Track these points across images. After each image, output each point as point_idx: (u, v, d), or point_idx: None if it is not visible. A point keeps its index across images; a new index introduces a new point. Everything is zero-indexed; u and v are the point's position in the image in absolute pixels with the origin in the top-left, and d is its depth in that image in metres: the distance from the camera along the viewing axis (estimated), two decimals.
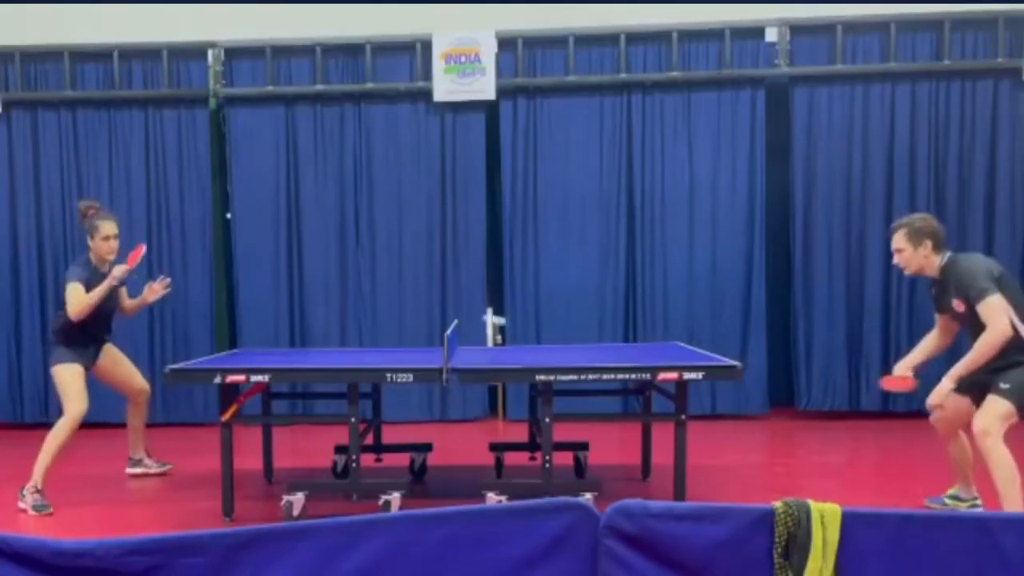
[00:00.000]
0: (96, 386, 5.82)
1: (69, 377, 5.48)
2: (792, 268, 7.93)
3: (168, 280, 5.82)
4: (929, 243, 4.67)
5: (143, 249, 5.73)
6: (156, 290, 5.77)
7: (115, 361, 5.94)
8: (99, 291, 5.43)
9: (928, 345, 5.04)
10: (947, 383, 4.56)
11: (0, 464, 6.70)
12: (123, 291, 5.86)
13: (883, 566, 2.20)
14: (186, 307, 8.07)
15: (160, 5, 7.97)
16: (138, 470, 6.18)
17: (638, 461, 5.87)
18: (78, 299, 5.39)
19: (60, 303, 5.62)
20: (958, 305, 4.59)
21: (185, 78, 8.06)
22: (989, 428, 4.35)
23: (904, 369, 4.94)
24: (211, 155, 8.08)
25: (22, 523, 5.02)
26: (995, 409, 4.39)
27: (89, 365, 5.71)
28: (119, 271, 5.50)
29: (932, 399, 4.63)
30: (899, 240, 4.74)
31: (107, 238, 5.56)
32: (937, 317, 4.95)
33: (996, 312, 4.39)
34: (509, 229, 8.03)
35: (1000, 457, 4.35)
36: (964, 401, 4.72)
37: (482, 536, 2.24)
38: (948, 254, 4.72)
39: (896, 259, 4.80)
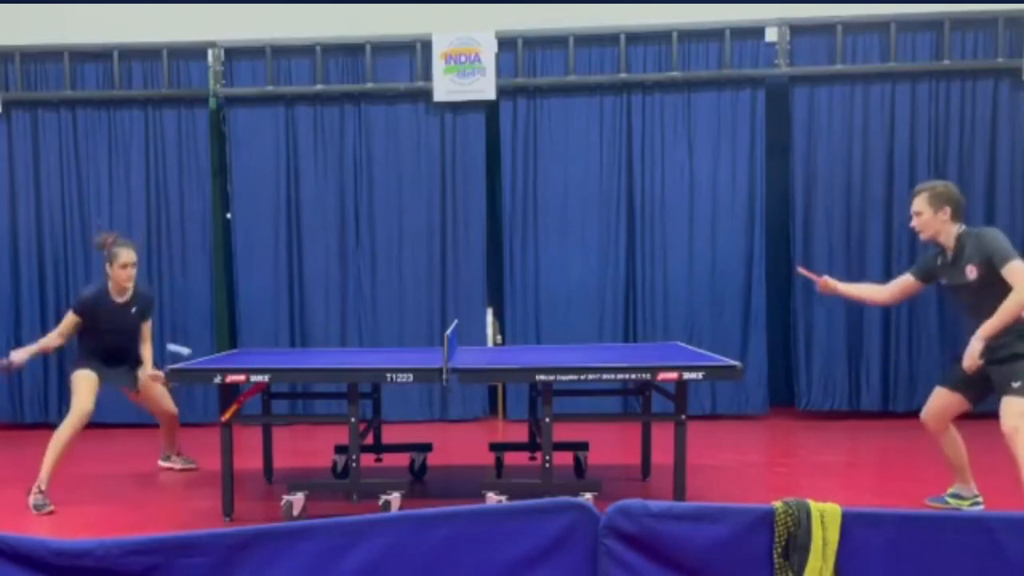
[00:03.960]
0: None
1: (79, 380, 5.65)
2: (792, 268, 7.92)
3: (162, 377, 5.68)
4: (949, 209, 4.66)
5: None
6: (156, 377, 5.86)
7: (149, 390, 6.07)
8: (25, 350, 5.73)
9: (869, 291, 5.30)
10: (976, 344, 4.51)
11: (0, 464, 6.71)
12: (146, 327, 5.96)
13: (883, 566, 2.20)
14: (186, 307, 8.07)
15: (160, 5, 7.97)
16: (166, 464, 6.46)
17: (638, 461, 5.87)
18: (60, 326, 5.79)
19: None
20: (971, 271, 4.56)
21: (185, 78, 8.06)
22: (1018, 424, 4.36)
23: (836, 283, 5.15)
24: (211, 155, 8.08)
25: (23, 523, 5.02)
26: (1016, 408, 4.40)
27: (116, 381, 5.92)
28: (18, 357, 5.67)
29: (967, 361, 4.55)
30: (919, 203, 4.73)
31: (125, 266, 5.68)
32: (905, 278, 5.03)
33: (1023, 275, 4.38)
34: (509, 229, 8.03)
35: None
36: (953, 397, 4.76)
37: (482, 536, 2.24)
38: (963, 226, 4.70)
39: (914, 222, 4.78)
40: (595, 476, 5.47)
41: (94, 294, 5.74)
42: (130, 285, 5.76)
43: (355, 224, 8.05)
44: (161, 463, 6.47)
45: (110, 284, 5.73)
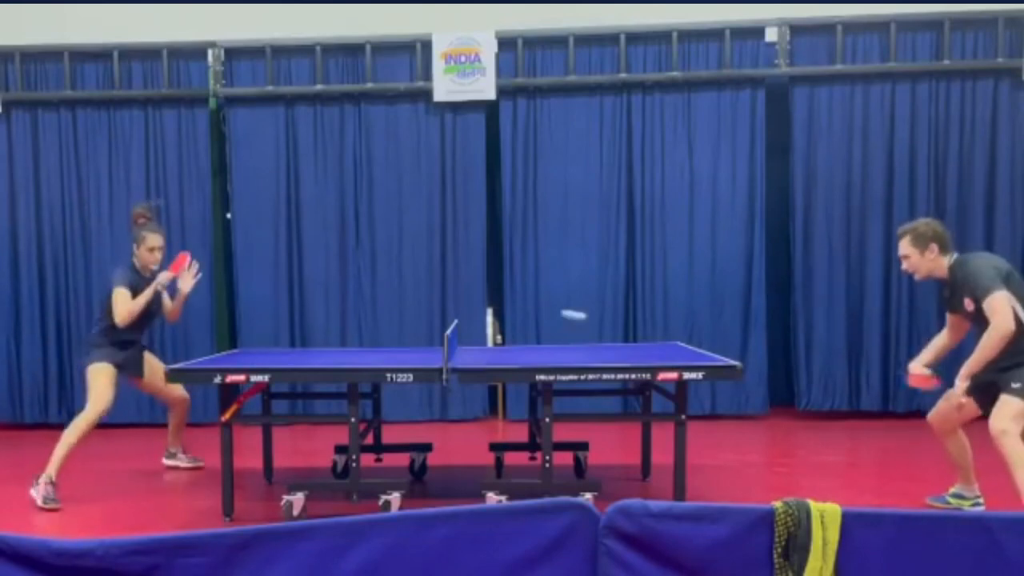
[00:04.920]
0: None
1: (99, 375, 5.60)
2: (792, 268, 7.92)
3: (190, 260, 5.90)
4: (935, 246, 4.70)
5: (187, 258, 5.88)
6: (188, 279, 5.88)
7: (154, 372, 5.98)
8: (144, 297, 5.60)
9: (938, 343, 5.06)
10: (960, 384, 4.61)
11: (0, 464, 6.70)
12: (165, 297, 6.00)
13: (883, 566, 2.20)
14: (186, 307, 8.02)
15: (160, 5, 7.97)
16: (171, 462, 6.41)
17: (638, 461, 5.87)
18: (125, 305, 5.56)
19: (102, 307, 5.75)
20: (968, 304, 4.63)
21: (185, 78, 8.06)
22: (1006, 427, 4.39)
23: (920, 368, 4.93)
24: (211, 155, 8.08)
25: (23, 523, 5.01)
26: (1009, 409, 4.43)
27: (129, 370, 5.85)
28: (164, 277, 5.71)
29: (952, 401, 4.68)
30: (905, 247, 4.78)
31: (152, 249, 5.73)
32: (948, 316, 4.98)
33: (1000, 307, 4.43)
34: (509, 229, 8.03)
35: (1019, 456, 4.37)
36: (964, 401, 4.74)
37: (482, 536, 2.24)
38: (955, 255, 4.75)
39: (904, 265, 4.83)
40: (595, 476, 5.47)
41: (129, 271, 5.72)
42: (155, 267, 5.80)
43: (355, 224, 8.05)
44: (166, 461, 6.41)
45: (136, 263, 5.77)
